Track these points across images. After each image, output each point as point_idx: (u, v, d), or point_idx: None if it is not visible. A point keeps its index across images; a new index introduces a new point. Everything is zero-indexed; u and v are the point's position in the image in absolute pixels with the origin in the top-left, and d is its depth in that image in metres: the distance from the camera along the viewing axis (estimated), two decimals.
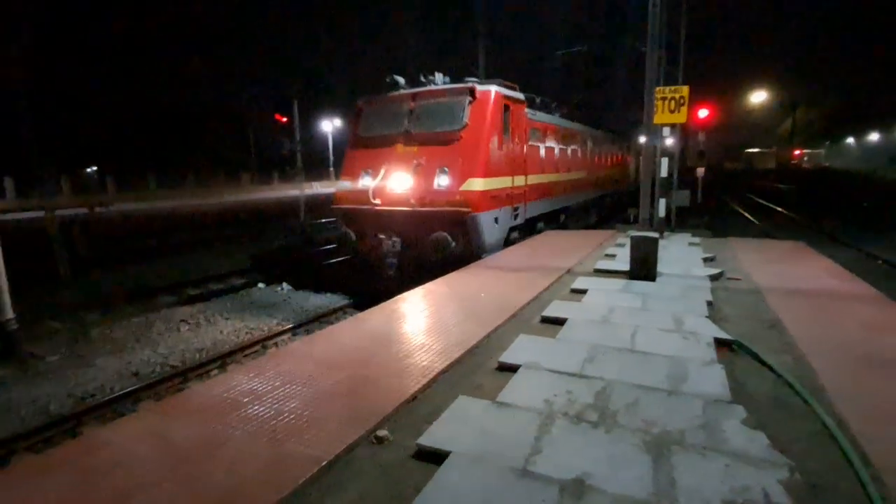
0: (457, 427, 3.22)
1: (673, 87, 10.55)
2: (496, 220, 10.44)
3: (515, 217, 11.52)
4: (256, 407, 3.59)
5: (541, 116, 13.55)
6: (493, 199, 10.28)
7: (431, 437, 3.09)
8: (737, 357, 4.49)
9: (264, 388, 3.89)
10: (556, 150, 14.82)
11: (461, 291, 6.80)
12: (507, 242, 11.22)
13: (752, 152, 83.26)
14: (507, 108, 11.02)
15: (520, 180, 11.70)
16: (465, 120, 10.26)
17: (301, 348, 4.81)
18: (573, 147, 16.76)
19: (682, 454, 2.89)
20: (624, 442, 3.03)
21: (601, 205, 22.26)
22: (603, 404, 3.52)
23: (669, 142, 13.71)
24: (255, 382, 4.00)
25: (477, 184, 9.89)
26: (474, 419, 3.32)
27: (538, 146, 13.29)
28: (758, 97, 42.84)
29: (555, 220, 15.15)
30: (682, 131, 19.97)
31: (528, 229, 12.77)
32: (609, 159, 23.16)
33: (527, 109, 12.36)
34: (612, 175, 23.92)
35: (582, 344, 4.69)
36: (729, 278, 7.43)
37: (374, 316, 5.79)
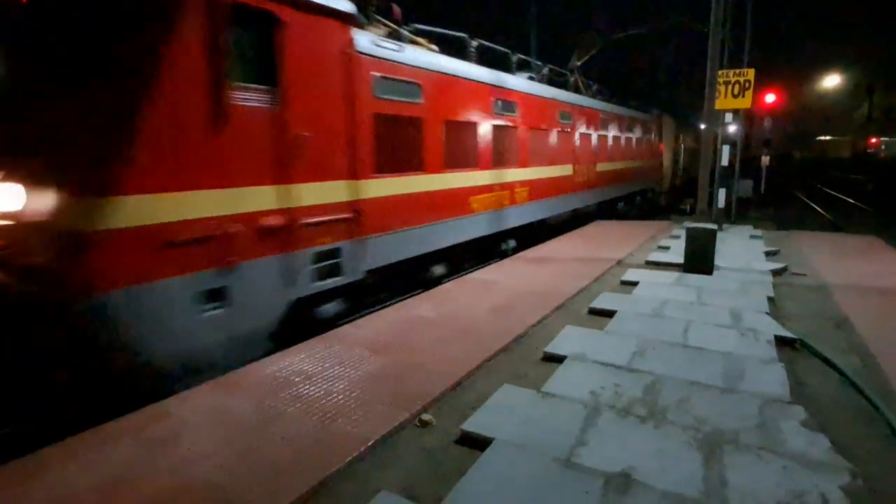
0: (501, 415, 3.22)
1: (737, 70, 10.02)
2: (203, 299, 4.28)
3: (331, 270, 5.47)
4: (307, 386, 3.72)
5: (412, 57, 6.76)
6: (172, 247, 4.04)
7: (475, 423, 3.12)
8: (799, 356, 4.27)
9: (315, 369, 4.03)
10: (487, 128, 8.51)
11: (507, 280, 6.76)
12: (308, 328, 5.21)
13: (825, 140, 78.13)
14: (243, 19, 4.55)
15: (334, 191, 5.50)
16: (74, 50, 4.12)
17: (350, 332, 4.93)
18: (542, 126, 10.53)
19: (736, 454, 2.79)
20: (674, 438, 2.95)
21: (609, 212, 15.54)
22: (652, 399, 3.44)
23: (731, 128, 12.64)
24: (306, 363, 4.15)
25: (105, 212, 3.71)
26: (518, 408, 3.31)
27: (412, 119, 6.77)
28: (831, 81, 40.10)
29: (493, 250, 9.34)
30: (746, 118, 18.66)
31: (395, 283, 6.92)
32: (626, 147, 16.51)
33: (361, 39, 5.86)
34: (631, 169, 17.19)
35: (631, 337, 4.58)
36: (793, 273, 7.05)
37: (420, 303, 5.85)
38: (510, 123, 9.26)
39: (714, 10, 7.01)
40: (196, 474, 2.70)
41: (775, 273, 6.96)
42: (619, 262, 7.83)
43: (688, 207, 20.25)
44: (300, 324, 5.22)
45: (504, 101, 9.05)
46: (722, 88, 9.83)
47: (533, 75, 11.31)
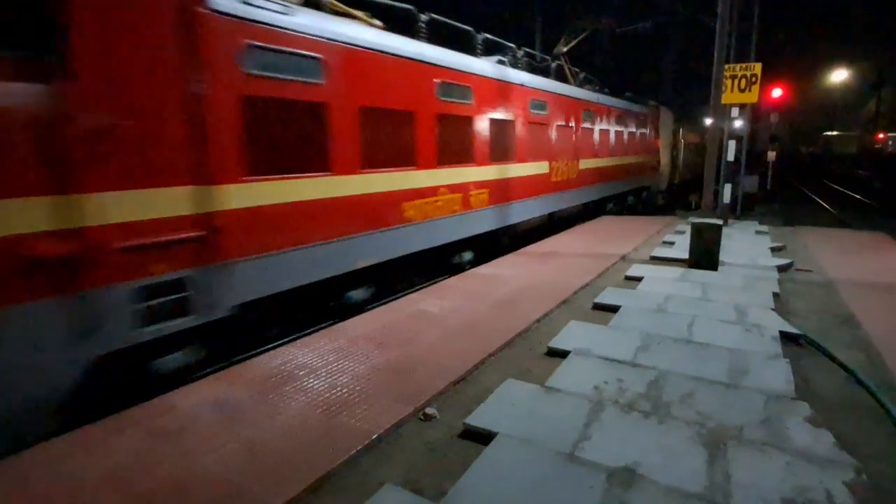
0: (504, 409, 3.23)
1: (744, 64, 9.95)
2: None
3: (173, 308, 4.04)
4: (311, 380, 3.74)
5: (308, 24, 5.19)
6: None
7: (479, 418, 3.12)
8: (804, 352, 4.26)
9: (319, 363, 4.04)
10: (428, 118, 6.98)
11: (511, 275, 6.76)
12: (151, 386, 4.00)
13: (831, 135, 77.56)
14: None
15: (169, 201, 3.99)
16: None
17: (354, 326, 4.94)
18: (507, 117, 8.88)
19: (740, 449, 2.78)
20: (677, 434, 2.95)
21: (596, 214, 13.66)
22: (656, 394, 3.43)
23: (738, 123, 12.50)
24: (310, 357, 4.16)
25: None
26: (522, 402, 3.31)
27: (310, 105, 5.24)
28: (838, 75, 39.78)
29: (442, 265, 8.00)
30: (753, 113, 18.38)
31: (297, 313, 5.70)
32: (616, 142, 14.70)
33: None
34: (622, 167, 15.47)
35: (635, 332, 4.57)
36: (798, 269, 7.02)
37: (424, 298, 5.86)
38: (462, 113, 7.66)
39: (721, 4, 6.96)
40: (201, 466, 2.72)
41: (781, 269, 6.93)
42: (623, 258, 7.81)
43: (693, 203, 20.17)
44: (133, 382, 3.97)
45: (453, 86, 7.41)
46: (728, 83, 9.77)
47: (503, 59, 9.59)
